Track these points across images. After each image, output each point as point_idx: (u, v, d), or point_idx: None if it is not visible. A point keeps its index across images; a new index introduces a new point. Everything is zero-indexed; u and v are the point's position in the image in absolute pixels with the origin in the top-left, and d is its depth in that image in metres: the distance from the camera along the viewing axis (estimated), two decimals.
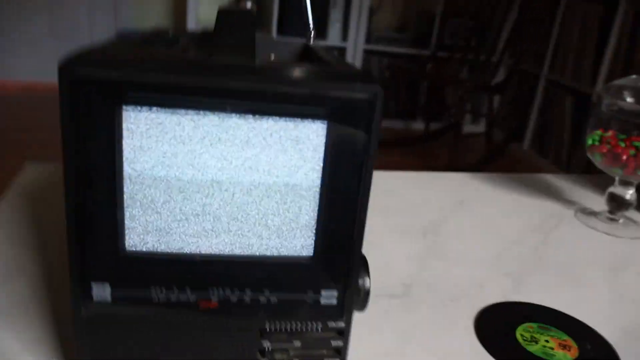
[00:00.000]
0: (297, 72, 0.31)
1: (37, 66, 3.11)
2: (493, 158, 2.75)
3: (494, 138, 2.88)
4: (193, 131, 0.30)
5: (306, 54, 0.48)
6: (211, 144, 0.31)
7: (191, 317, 0.33)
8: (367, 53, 3.24)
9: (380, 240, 0.61)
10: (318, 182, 0.32)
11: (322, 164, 0.32)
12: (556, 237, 0.66)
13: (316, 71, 0.33)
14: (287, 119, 0.31)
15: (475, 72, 2.82)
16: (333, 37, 3.15)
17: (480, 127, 3.19)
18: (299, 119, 0.31)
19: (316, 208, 0.33)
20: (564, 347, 0.45)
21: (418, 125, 3.30)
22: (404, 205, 0.71)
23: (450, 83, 3.03)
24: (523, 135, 2.92)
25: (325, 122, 0.31)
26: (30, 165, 0.72)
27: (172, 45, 0.43)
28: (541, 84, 2.78)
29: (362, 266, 0.35)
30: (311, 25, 0.53)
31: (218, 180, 0.31)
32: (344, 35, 3.19)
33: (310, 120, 0.31)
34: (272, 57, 0.47)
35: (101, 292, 0.32)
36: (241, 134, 0.31)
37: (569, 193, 0.82)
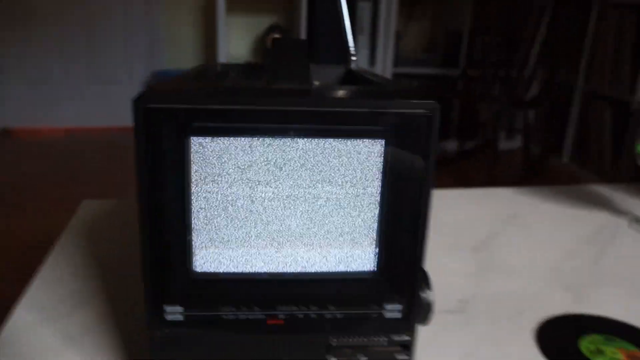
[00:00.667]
0: (354, 94, 0.33)
1: (80, 112, 3.25)
2: (532, 173, 2.70)
3: (531, 153, 2.84)
4: (257, 156, 0.32)
5: (351, 78, 0.49)
6: (274, 168, 0.32)
7: (259, 334, 0.34)
8: (396, 76, 3.26)
9: (432, 257, 0.60)
10: (378, 197, 0.33)
11: (381, 180, 0.33)
12: (613, 248, 0.65)
13: (371, 91, 0.34)
14: (347, 139, 0.32)
15: (507, 87, 2.80)
16: (361, 62, 3.19)
17: (516, 143, 3.14)
18: (359, 139, 0.32)
19: (377, 222, 0.34)
20: (633, 357, 0.44)
21: (451, 145, 3.28)
22: (452, 222, 0.71)
23: (483, 100, 3.01)
24: (561, 148, 2.87)
25: (383, 140, 0.32)
26: (87, 203, 0.75)
27: (223, 77, 0.45)
28: (577, 94, 2.74)
29: (425, 279, 0.35)
30: (352, 49, 0.54)
31: (282, 201, 0.33)
32: (372, 60, 3.22)
33: (368, 139, 0.32)
34: (317, 83, 0.48)
35: (174, 313, 0.34)
36: (303, 156, 0.32)
37: (620, 203, 0.80)
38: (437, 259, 0.60)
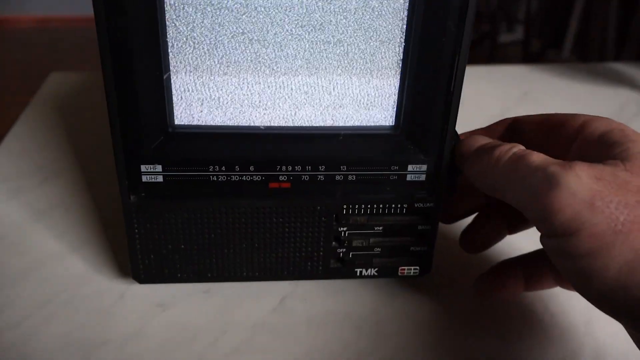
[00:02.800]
0: None
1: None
2: None
3: (531, 46, 2.72)
4: None
5: None
6: None
7: (257, 199, 0.29)
8: None
9: None
10: (402, 36, 0.26)
11: (407, 14, 0.26)
12: (637, 126, 0.59)
13: None
14: None
15: None
16: None
17: (517, 35, 3.00)
18: None
19: (400, 67, 0.27)
20: None
21: None
22: (462, 98, 0.65)
23: None
24: (562, 42, 2.74)
25: None
26: (55, 75, 0.66)
27: None
28: None
29: (456, 139, 0.29)
30: None
31: (282, 33, 0.25)
32: None
33: None
34: None
35: (151, 173, 0.28)
36: None
37: (639, 79, 0.73)
38: None
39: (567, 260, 0.22)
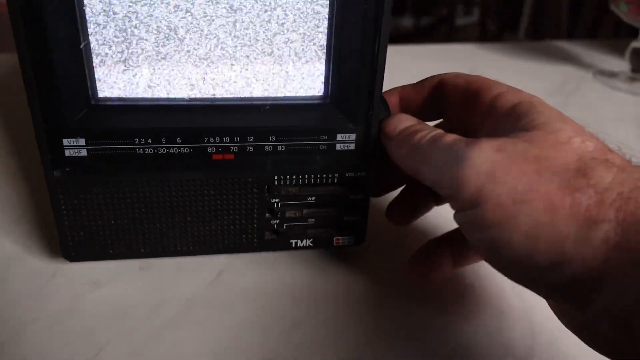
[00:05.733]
0: None
1: None
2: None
3: (488, 29, 2.76)
4: None
5: None
6: None
7: (185, 172, 0.28)
8: None
9: None
10: (327, 2, 0.26)
11: None
12: (577, 99, 0.61)
13: None
14: None
15: None
16: None
17: (473, 18, 3.04)
18: None
19: (326, 36, 0.27)
20: None
21: (407, 22, 3.15)
22: (411, 77, 0.65)
23: None
24: (518, 24, 2.79)
25: None
26: None
27: None
28: None
29: (384, 107, 0.29)
30: None
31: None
32: None
33: None
34: None
35: (74, 147, 0.27)
36: None
37: (584, 57, 0.76)
38: None
39: (475, 232, 0.22)
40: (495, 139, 0.23)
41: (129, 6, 0.25)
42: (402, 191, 0.33)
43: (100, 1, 0.24)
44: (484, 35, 2.71)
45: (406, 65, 0.68)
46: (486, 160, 0.22)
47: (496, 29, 2.82)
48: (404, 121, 0.28)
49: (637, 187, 0.20)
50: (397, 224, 0.32)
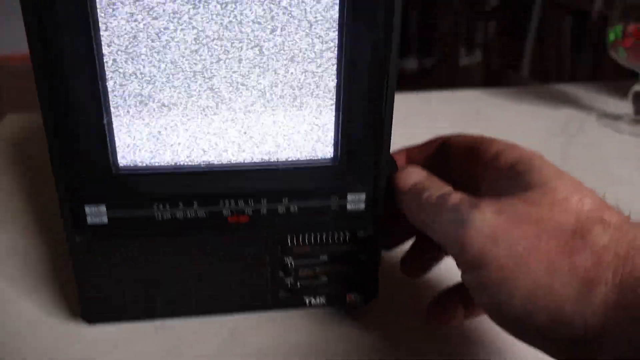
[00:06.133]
0: None
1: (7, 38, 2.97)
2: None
3: (491, 68, 2.80)
4: (185, 4, 0.25)
5: None
6: (208, 18, 0.26)
7: (202, 235, 0.29)
8: None
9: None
10: (334, 69, 0.28)
11: (338, 43, 0.27)
12: (581, 139, 0.62)
13: None
14: None
15: None
16: None
17: (476, 58, 3.10)
18: None
19: (334, 100, 0.28)
20: None
21: (411, 63, 3.21)
22: (416, 124, 0.67)
23: (442, 12, 2.92)
24: (521, 62, 2.84)
25: None
26: (11, 117, 0.66)
27: None
28: (537, 4, 2.68)
29: (392, 166, 0.30)
30: None
31: (219, 68, 0.27)
32: None
33: None
34: None
35: (96, 215, 0.28)
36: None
37: (586, 100, 0.77)
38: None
39: (479, 292, 0.23)
40: (495, 200, 0.23)
41: (151, 87, 0.26)
42: (413, 244, 0.33)
43: (122, 80, 0.26)
44: (487, 74, 2.76)
45: (412, 112, 0.70)
46: (488, 224, 0.22)
47: (499, 69, 2.86)
48: (414, 176, 0.29)
49: (632, 247, 0.21)
50: (411, 277, 0.33)
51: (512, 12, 2.82)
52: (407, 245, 0.34)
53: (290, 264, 0.31)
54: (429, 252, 0.32)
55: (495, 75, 2.80)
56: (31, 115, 0.66)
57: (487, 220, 0.23)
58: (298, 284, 0.32)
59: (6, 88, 2.68)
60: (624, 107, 0.69)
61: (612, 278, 0.20)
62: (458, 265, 0.25)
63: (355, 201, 0.30)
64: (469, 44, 3.16)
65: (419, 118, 0.69)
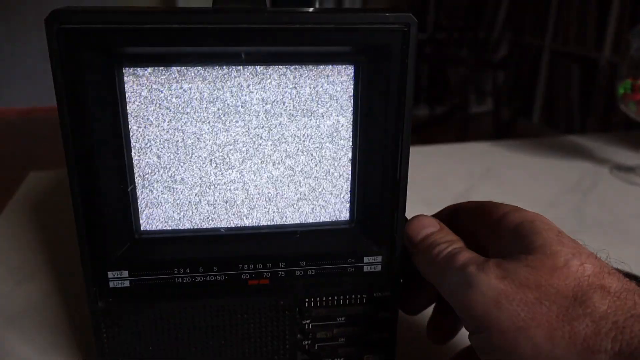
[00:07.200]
0: (317, 10, 0.28)
1: (33, 92, 3.08)
2: (503, 136, 2.70)
3: (501, 116, 2.83)
4: (204, 87, 0.27)
5: None
6: (226, 101, 0.27)
7: (222, 298, 0.30)
8: None
9: (409, 213, 0.57)
10: (350, 135, 0.29)
11: (352, 114, 0.28)
12: (595, 196, 0.62)
13: (337, 9, 0.29)
14: (309, 65, 0.27)
15: (475, 50, 2.77)
16: None
17: (486, 106, 3.14)
18: (323, 64, 0.27)
19: (350, 165, 0.29)
20: None
21: (422, 111, 3.25)
22: (427, 177, 0.67)
23: (452, 63, 2.98)
24: (531, 110, 2.87)
25: (353, 65, 0.28)
26: (34, 174, 0.68)
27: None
28: (545, 54, 2.73)
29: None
30: None
31: (237, 142, 0.28)
32: None
33: (335, 64, 0.27)
34: None
35: (118, 279, 0.29)
36: (258, 87, 0.27)
37: (598, 152, 0.77)
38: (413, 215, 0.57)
39: (483, 354, 0.24)
40: (499, 264, 0.24)
41: (173, 161, 0.28)
42: (435, 306, 0.33)
43: (147, 153, 0.27)
44: (497, 122, 2.78)
45: (424, 166, 0.71)
46: (492, 288, 0.23)
47: (510, 116, 2.89)
48: (425, 226, 0.29)
49: (631, 316, 0.21)
50: (437, 343, 0.33)
51: (519, 62, 2.87)
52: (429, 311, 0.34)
53: (308, 326, 0.31)
54: (450, 314, 0.32)
55: (506, 123, 2.82)
56: (53, 172, 0.68)
57: (491, 284, 0.23)
58: (315, 346, 0.32)
59: (33, 138, 2.76)
60: (636, 158, 0.70)
61: (611, 347, 0.20)
62: (464, 326, 0.25)
63: (372, 263, 0.30)
64: (479, 92, 3.20)
65: (429, 171, 0.70)
